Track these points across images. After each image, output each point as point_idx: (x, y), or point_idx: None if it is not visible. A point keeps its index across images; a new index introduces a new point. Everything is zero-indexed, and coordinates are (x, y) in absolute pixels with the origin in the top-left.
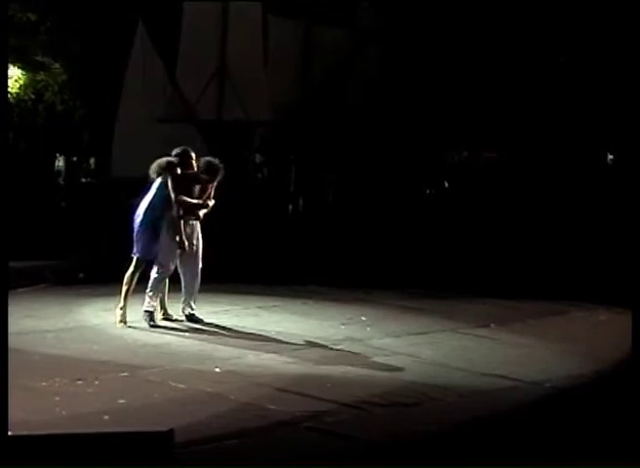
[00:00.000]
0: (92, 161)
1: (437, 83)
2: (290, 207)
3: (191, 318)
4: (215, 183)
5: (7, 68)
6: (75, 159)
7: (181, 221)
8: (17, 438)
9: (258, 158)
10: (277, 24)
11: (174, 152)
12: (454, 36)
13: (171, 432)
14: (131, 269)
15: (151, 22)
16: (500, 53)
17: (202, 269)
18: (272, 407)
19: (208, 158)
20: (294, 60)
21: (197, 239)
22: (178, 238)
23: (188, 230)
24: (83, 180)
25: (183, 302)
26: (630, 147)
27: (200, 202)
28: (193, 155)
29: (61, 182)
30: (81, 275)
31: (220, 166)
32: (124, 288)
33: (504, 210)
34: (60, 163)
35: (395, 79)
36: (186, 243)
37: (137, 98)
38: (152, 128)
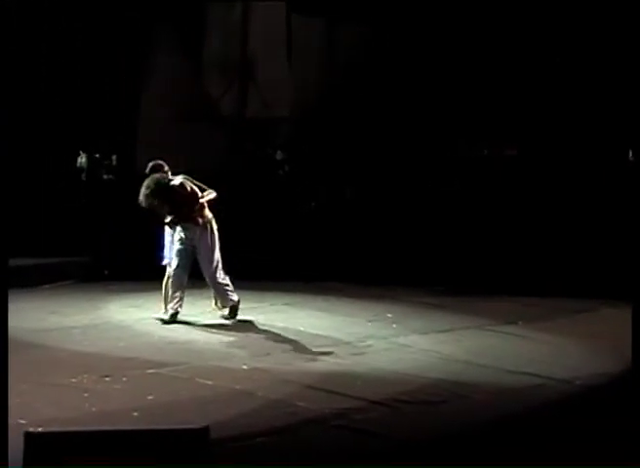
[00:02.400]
0: (114, 158)
1: (457, 77)
2: (312, 203)
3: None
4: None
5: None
6: (98, 156)
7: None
8: (50, 434)
9: (279, 155)
10: (300, 22)
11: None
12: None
13: (206, 429)
14: (165, 276)
15: (174, 21)
16: (525, 44)
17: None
18: (301, 404)
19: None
20: (316, 58)
21: (200, 241)
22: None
23: (189, 234)
24: (105, 177)
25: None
26: None
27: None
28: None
29: (83, 179)
30: (106, 272)
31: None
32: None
33: (528, 206)
34: (82, 159)
35: (411, 74)
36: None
37: (159, 96)
38: (175, 126)
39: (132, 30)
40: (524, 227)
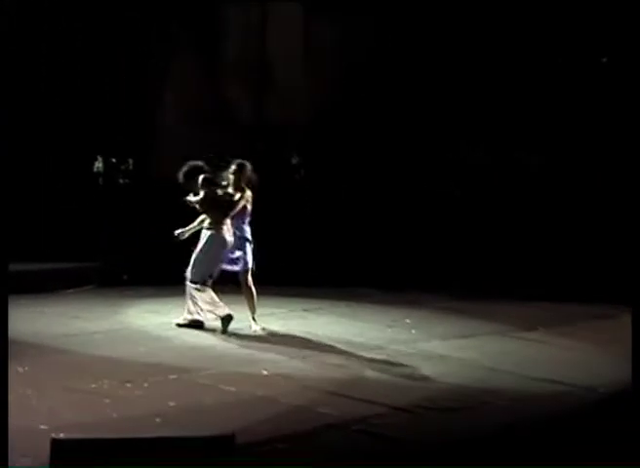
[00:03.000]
0: (130, 162)
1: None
2: (329, 208)
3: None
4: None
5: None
6: (114, 160)
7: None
8: (76, 441)
9: (295, 159)
10: (318, 25)
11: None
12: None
13: (232, 436)
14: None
15: (192, 24)
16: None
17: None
18: (323, 410)
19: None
20: (333, 61)
21: (202, 245)
22: None
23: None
24: (121, 181)
25: None
26: None
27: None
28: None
29: (100, 183)
30: (125, 277)
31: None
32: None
33: (547, 208)
34: (99, 164)
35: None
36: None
37: (177, 100)
38: (192, 129)
39: (149, 33)
40: (543, 231)
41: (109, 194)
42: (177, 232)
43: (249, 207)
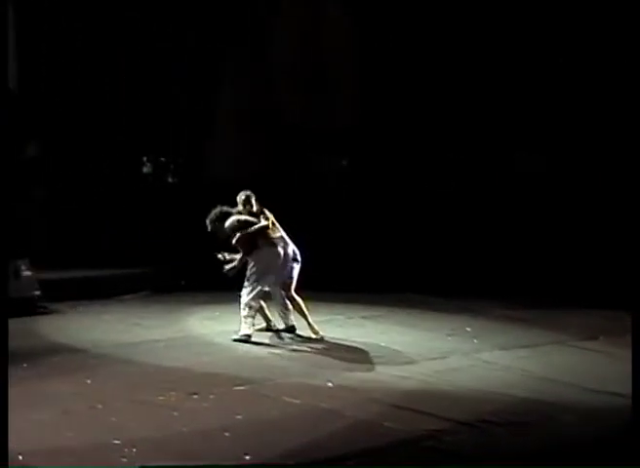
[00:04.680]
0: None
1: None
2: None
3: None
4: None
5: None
6: (163, 160)
7: None
8: None
9: (343, 163)
10: (367, 29)
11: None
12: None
13: None
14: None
15: (244, 30)
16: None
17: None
18: (389, 424)
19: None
20: (383, 65)
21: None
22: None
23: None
24: (170, 180)
25: None
26: None
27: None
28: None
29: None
30: (182, 282)
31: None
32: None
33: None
34: (148, 169)
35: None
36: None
37: (228, 103)
38: (242, 132)
39: (202, 36)
40: (595, 237)
41: (159, 196)
42: (226, 269)
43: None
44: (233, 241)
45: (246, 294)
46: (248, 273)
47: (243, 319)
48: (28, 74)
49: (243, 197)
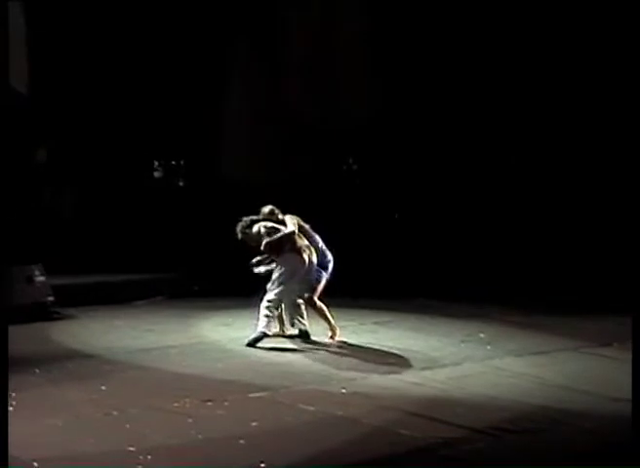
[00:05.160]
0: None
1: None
2: (395, 215)
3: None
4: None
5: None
6: (174, 163)
7: None
8: None
9: (354, 164)
10: (380, 29)
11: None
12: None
13: None
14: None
15: (255, 29)
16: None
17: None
18: (404, 432)
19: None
20: (395, 65)
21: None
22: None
23: None
24: (180, 184)
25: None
26: None
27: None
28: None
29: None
30: (196, 287)
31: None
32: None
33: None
34: (158, 173)
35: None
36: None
37: (239, 103)
38: (254, 133)
39: (212, 35)
40: (612, 241)
41: (171, 200)
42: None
43: (306, 226)
44: (262, 246)
45: (267, 298)
46: (274, 276)
47: (261, 317)
48: (40, 78)
49: (267, 210)
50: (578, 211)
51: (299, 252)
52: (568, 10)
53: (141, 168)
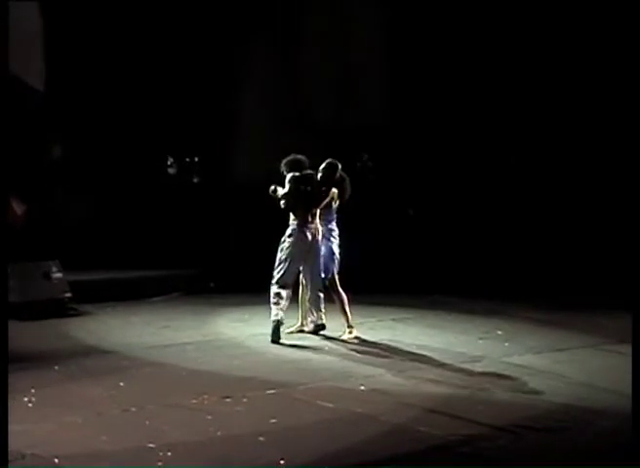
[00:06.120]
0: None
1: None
2: (410, 211)
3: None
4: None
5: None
6: (188, 160)
7: None
8: None
9: (369, 162)
10: (398, 29)
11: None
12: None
13: None
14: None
15: (272, 27)
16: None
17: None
18: (424, 429)
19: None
20: (413, 65)
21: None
22: None
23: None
24: (195, 181)
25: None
26: None
27: None
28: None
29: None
30: (212, 284)
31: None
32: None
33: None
34: (173, 170)
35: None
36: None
37: (255, 102)
38: (270, 132)
39: (230, 35)
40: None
41: (186, 196)
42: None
43: (334, 205)
44: (284, 189)
45: (274, 279)
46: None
47: (272, 306)
48: (55, 76)
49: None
50: (578, 211)
51: (315, 228)
52: (568, 10)
53: (156, 164)
